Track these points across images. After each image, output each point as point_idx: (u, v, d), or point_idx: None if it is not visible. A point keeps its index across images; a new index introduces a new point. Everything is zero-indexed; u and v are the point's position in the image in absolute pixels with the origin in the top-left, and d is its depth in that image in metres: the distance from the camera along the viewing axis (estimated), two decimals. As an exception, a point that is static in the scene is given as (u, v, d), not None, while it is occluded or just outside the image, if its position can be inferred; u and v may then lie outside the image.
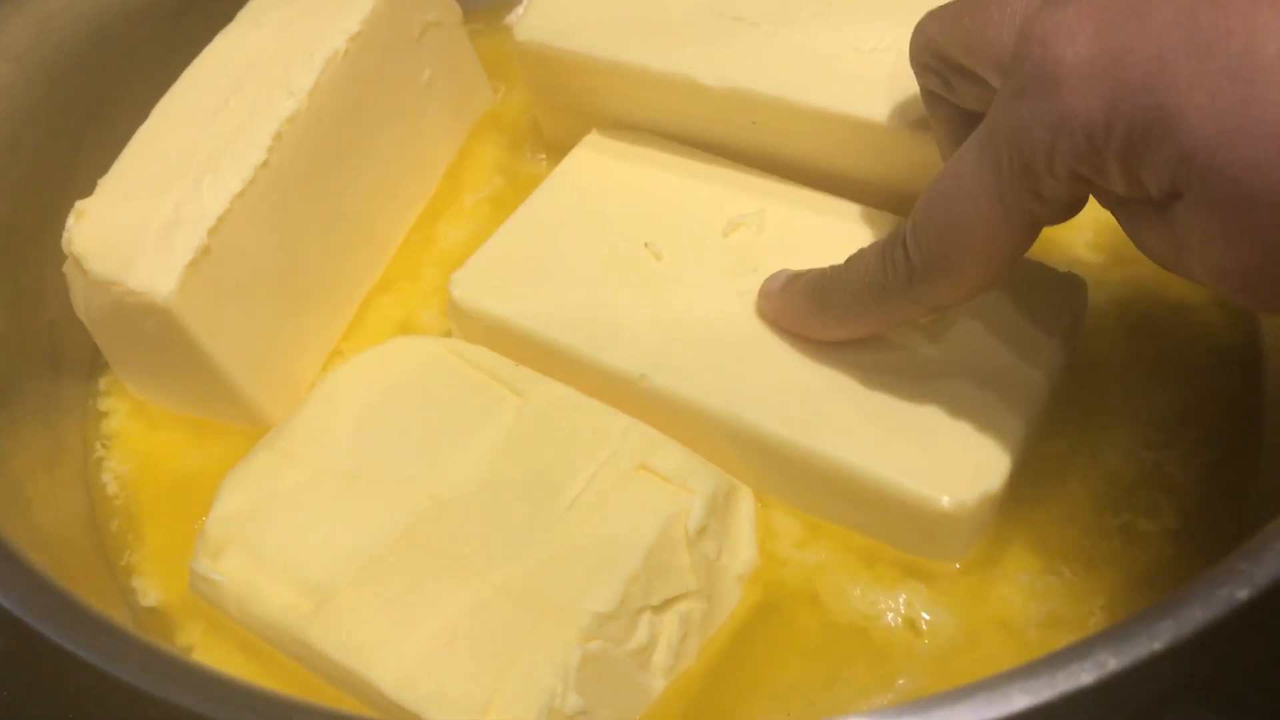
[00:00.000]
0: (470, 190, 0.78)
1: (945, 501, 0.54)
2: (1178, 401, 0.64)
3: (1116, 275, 0.68)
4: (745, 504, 0.60)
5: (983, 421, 0.56)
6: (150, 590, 0.63)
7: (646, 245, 0.65)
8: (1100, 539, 0.59)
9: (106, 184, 0.64)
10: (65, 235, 0.62)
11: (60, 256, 0.64)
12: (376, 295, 0.74)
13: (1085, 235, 0.70)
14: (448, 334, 0.71)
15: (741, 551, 0.59)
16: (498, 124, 0.82)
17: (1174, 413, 0.63)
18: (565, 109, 0.75)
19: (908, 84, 0.62)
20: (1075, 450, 0.62)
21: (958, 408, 0.57)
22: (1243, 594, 0.42)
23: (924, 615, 0.57)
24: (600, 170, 0.70)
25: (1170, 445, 0.62)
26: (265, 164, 0.64)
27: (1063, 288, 0.61)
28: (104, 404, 0.71)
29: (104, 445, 0.69)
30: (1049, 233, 0.68)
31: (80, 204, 0.63)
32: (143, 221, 0.61)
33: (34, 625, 0.46)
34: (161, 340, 0.62)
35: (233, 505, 0.59)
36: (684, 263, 0.65)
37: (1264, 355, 0.66)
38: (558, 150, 0.78)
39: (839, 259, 0.63)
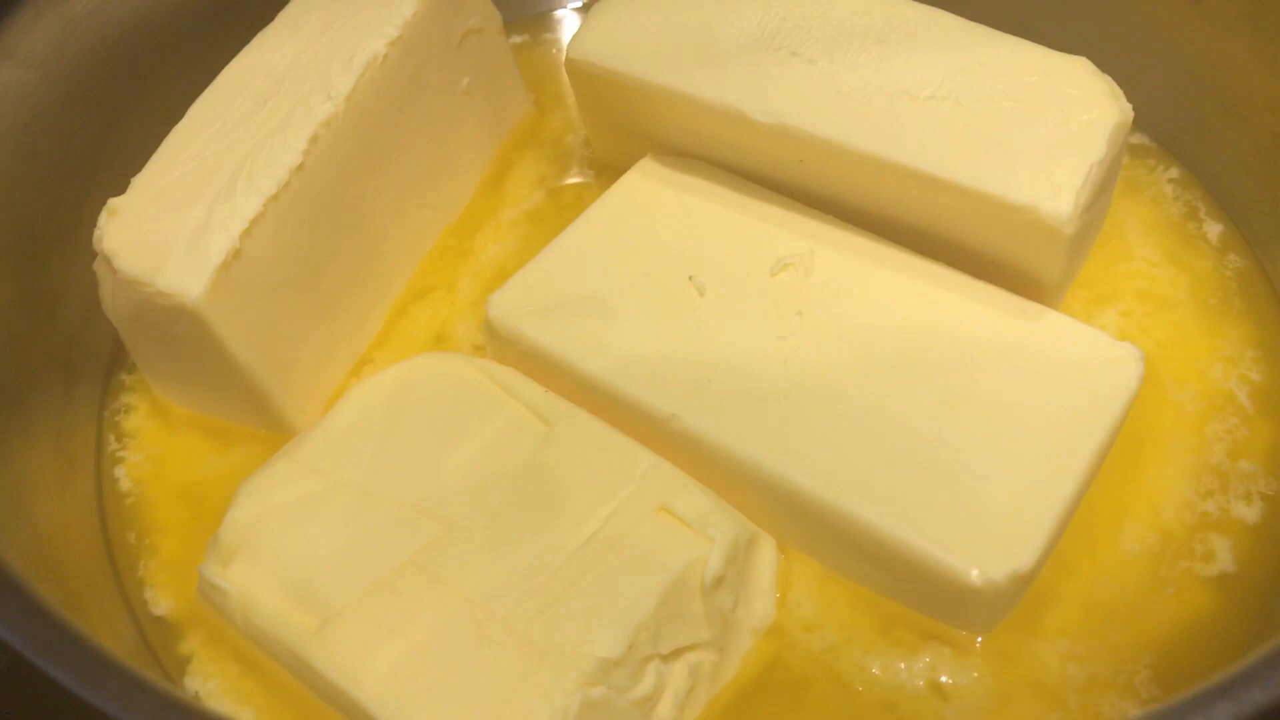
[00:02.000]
0: (510, 205, 0.77)
1: (974, 576, 0.52)
2: (1228, 444, 0.62)
3: (1152, 327, 0.67)
4: (767, 555, 0.58)
5: (1023, 494, 0.54)
6: (162, 600, 0.62)
7: (691, 279, 0.64)
8: (1153, 591, 0.58)
9: (140, 182, 0.63)
10: (96, 232, 0.61)
11: (79, 258, 0.63)
12: (412, 303, 0.73)
13: (1122, 303, 0.68)
14: (480, 348, 0.70)
15: (758, 604, 0.57)
16: (540, 139, 0.81)
17: (1225, 454, 0.62)
18: (614, 128, 0.73)
19: (960, 135, 0.60)
20: (1131, 506, 0.60)
21: (998, 477, 0.55)
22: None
23: (947, 679, 0.56)
24: (651, 197, 0.69)
25: (1225, 489, 0.61)
26: (300, 167, 0.63)
27: (1118, 360, 0.59)
28: (124, 399, 0.70)
29: (120, 441, 0.69)
30: (1086, 298, 0.67)
31: (113, 201, 0.62)
32: (175, 222, 0.61)
33: (27, 656, 0.46)
34: (189, 342, 0.61)
35: (247, 512, 0.58)
36: (727, 301, 0.63)
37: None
38: (604, 168, 0.77)
39: (885, 310, 0.61)
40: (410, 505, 0.57)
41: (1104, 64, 0.65)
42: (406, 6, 0.69)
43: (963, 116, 0.60)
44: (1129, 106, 0.60)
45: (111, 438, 0.69)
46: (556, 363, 0.62)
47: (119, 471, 0.67)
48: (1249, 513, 0.60)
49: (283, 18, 0.70)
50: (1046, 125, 0.59)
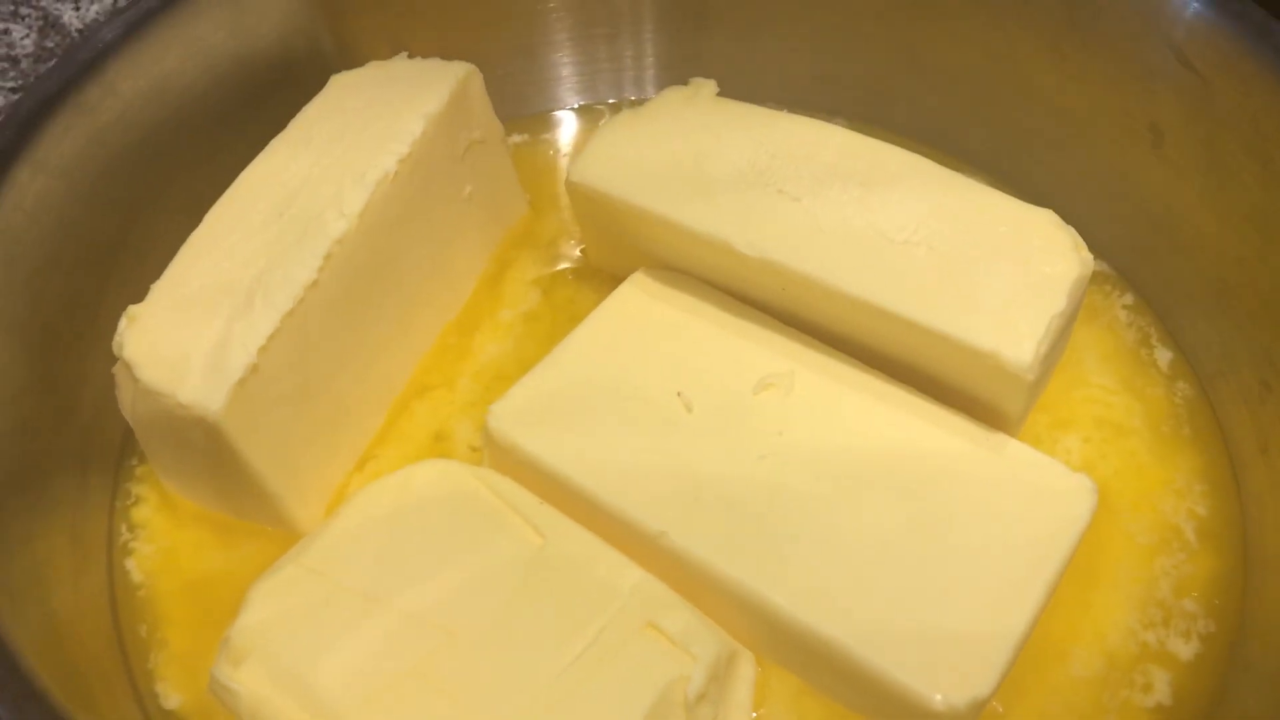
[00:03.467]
0: (508, 305, 0.81)
1: (937, 700, 0.56)
2: (1174, 579, 0.67)
3: (1109, 454, 0.72)
4: (745, 670, 0.62)
5: (983, 620, 0.59)
6: (172, 694, 0.65)
7: (679, 395, 0.68)
8: (1096, 718, 0.62)
9: (159, 290, 0.66)
10: (116, 338, 0.64)
11: (97, 354, 0.66)
12: (412, 400, 0.76)
13: (1082, 429, 0.73)
14: (478, 449, 0.73)
15: (736, 718, 0.61)
16: (536, 241, 0.85)
17: (1170, 590, 0.67)
18: (609, 241, 0.77)
19: (931, 279, 0.65)
20: (1079, 631, 0.65)
21: (961, 603, 0.59)
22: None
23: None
24: (642, 312, 0.73)
25: (1167, 624, 0.66)
26: (315, 284, 0.66)
27: (1073, 491, 0.64)
28: (135, 490, 0.73)
29: (131, 532, 0.72)
30: (1047, 422, 0.72)
31: (133, 309, 0.65)
32: (195, 334, 0.64)
33: None
34: (205, 449, 0.65)
35: (257, 616, 0.61)
36: (713, 417, 0.67)
37: (1245, 530, 0.69)
38: (597, 273, 0.82)
39: (858, 434, 0.66)
40: (412, 614, 0.61)
41: (1069, 196, 0.71)
42: (416, 124, 0.72)
43: (934, 262, 0.65)
44: (1090, 258, 0.65)
45: (123, 528, 0.72)
46: (551, 475, 0.66)
47: (130, 563, 0.70)
48: (1185, 650, 0.65)
49: (294, 127, 0.74)
50: (1012, 275, 0.64)
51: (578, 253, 0.84)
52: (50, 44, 1.04)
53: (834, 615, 0.59)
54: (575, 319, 0.73)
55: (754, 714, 0.62)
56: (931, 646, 0.58)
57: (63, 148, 0.69)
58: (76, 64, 0.70)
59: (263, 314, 0.65)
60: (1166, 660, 0.64)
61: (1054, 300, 0.63)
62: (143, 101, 0.73)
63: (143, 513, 0.72)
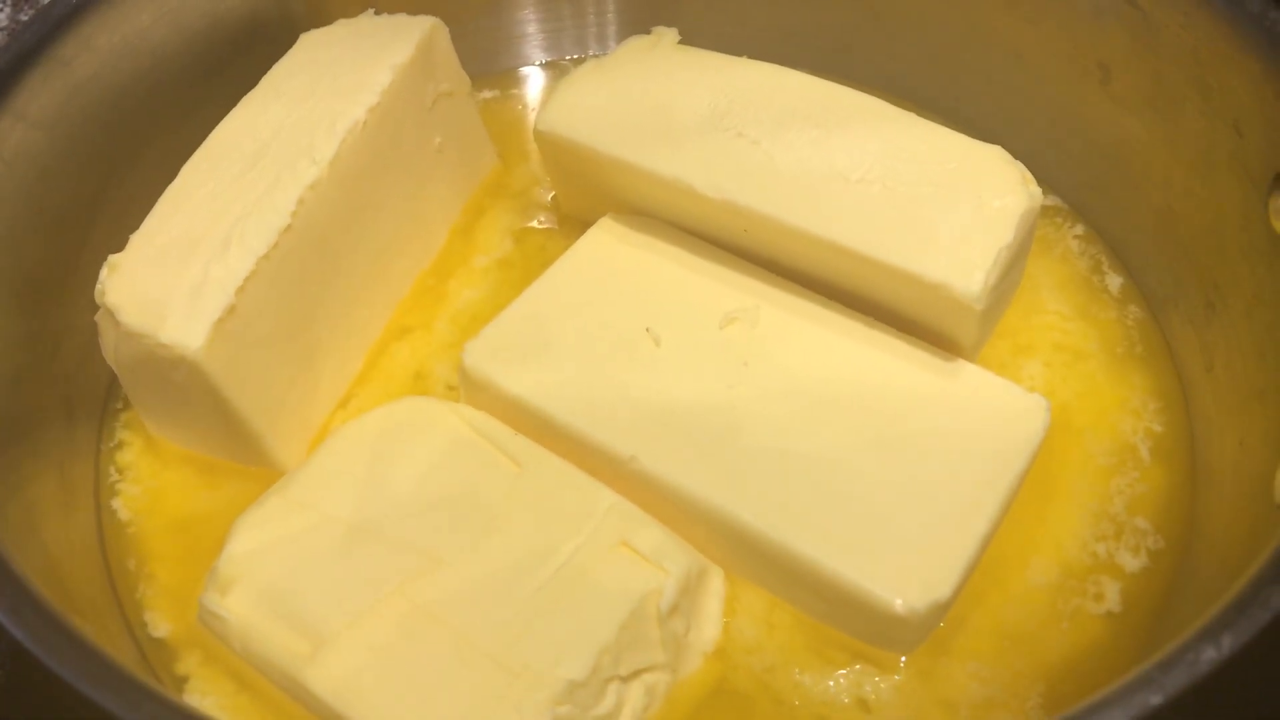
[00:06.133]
0: (482, 252, 0.83)
1: (899, 605, 0.59)
2: (1127, 496, 0.70)
3: (1069, 377, 0.75)
4: (715, 584, 0.65)
5: (942, 530, 0.62)
6: (161, 623, 0.67)
7: (648, 331, 0.70)
8: (1050, 623, 0.65)
9: (138, 240, 0.68)
10: (99, 287, 0.66)
11: (79, 306, 0.68)
12: (392, 342, 0.79)
13: (1042, 354, 0.76)
14: (455, 388, 0.75)
15: (707, 629, 0.64)
16: (507, 190, 0.87)
17: (1124, 506, 0.69)
18: (577, 187, 0.80)
19: (885, 216, 0.67)
20: (1037, 543, 0.68)
21: (921, 514, 0.62)
22: (1156, 699, 0.48)
23: (872, 695, 0.63)
24: (611, 254, 0.75)
25: (1119, 537, 0.68)
26: (288, 228, 0.68)
27: (1028, 408, 0.66)
28: (120, 435, 0.75)
29: (118, 473, 0.74)
30: (1008, 349, 0.75)
31: (113, 258, 0.67)
32: (174, 279, 0.66)
33: (37, 655, 0.51)
34: (187, 389, 0.67)
35: (244, 546, 0.64)
36: (681, 351, 0.70)
37: (1194, 445, 0.72)
38: (568, 220, 0.84)
39: (822, 362, 0.68)
40: (395, 540, 0.63)
41: (1020, 134, 0.73)
42: (384, 75, 0.74)
43: (888, 199, 0.67)
44: (1038, 192, 0.67)
45: (111, 470, 0.74)
46: (526, 408, 0.68)
47: (117, 503, 0.72)
48: (1134, 563, 0.67)
49: (266, 82, 0.75)
50: (963, 209, 0.66)
51: (549, 201, 0.86)
52: (24, 18, 1.05)
53: (799, 529, 0.62)
54: (547, 264, 0.75)
55: (724, 624, 0.65)
56: (893, 555, 0.61)
57: (41, 100, 0.70)
58: (52, 20, 0.71)
59: (239, 257, 0.66)
60: (1116, 571, 0.67)
61: (1003, 232, 0.66)
62: (117, 58, 0.75)
63: (128, 456, 0.74)
